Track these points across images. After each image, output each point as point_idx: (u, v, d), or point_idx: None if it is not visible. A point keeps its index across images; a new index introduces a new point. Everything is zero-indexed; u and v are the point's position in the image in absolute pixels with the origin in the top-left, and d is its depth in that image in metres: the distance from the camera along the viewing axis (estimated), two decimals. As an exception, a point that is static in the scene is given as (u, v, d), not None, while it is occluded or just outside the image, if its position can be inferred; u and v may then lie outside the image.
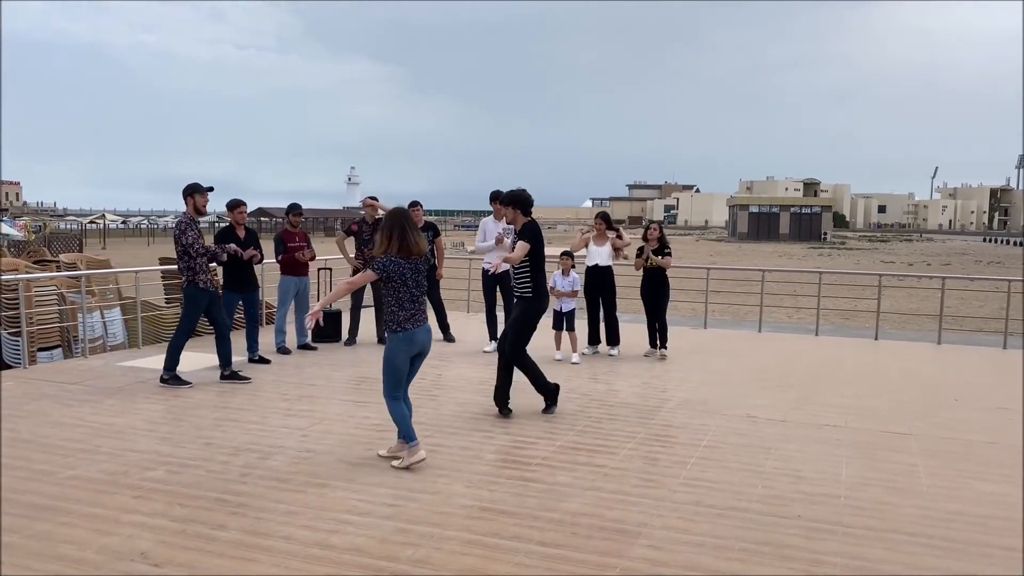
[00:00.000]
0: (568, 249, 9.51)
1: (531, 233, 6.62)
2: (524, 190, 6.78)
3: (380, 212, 9.49)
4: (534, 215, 6.84)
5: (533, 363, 6.68)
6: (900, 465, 5.49)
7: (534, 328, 6.74)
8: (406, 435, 5.27)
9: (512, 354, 6.57)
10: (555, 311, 9.46)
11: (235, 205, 8.69)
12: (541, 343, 9.47)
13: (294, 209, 9.81)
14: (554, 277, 9.52)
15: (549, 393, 6.72)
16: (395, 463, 5.26)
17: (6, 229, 31.77)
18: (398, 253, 5.20)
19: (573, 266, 9.28)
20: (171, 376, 7.51)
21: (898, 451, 5.83)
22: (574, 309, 9.44)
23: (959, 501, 4.83)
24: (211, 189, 7.73)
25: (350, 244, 10.19)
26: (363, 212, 10.13)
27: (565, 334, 9.28)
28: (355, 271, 9.90)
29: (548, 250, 9.78)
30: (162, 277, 11.95)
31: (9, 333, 9.71)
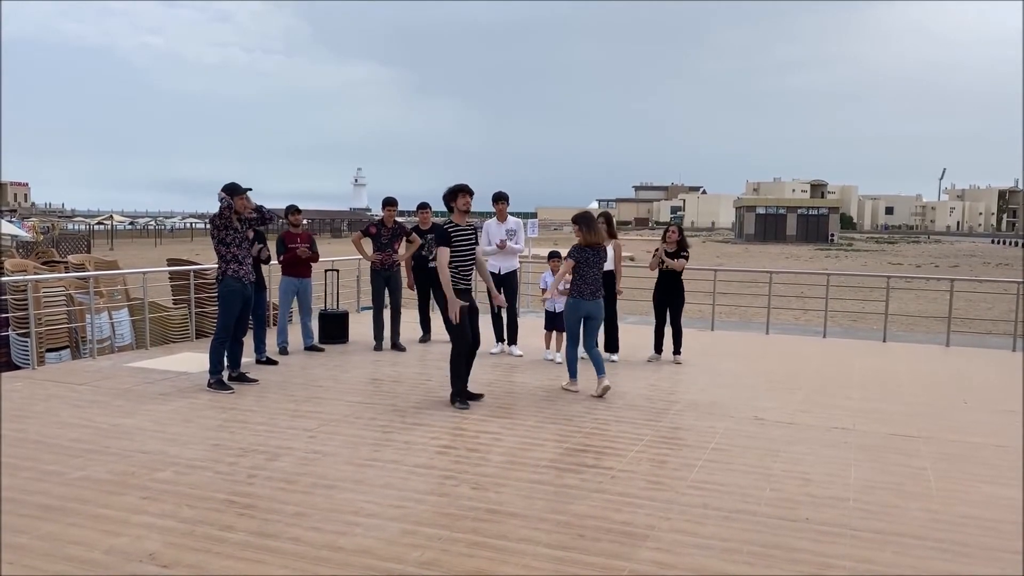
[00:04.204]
0: (556, 250, 9.55)
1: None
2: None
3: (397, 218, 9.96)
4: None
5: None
6: (909, 468, 5.47)
7: None
8: (572, 373, 7.48)
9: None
10: (547, 312, 9.44)
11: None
12: (532, 344, 9.48)
13: (292, 210, 9.83)
14: (544, 278, 9.50)
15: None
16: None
17: (8, 228, 31.76)
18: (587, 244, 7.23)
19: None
20: (215, 380, 7.45)
21: (907, 454, 5.80)
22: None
23: (968, 504, 4.80)
24: (249, 189, 7.57)
25: (366, 244, 10.21)
26: (379, 215, 10.18)
27: (555, 334, 9.30)
28: (373, 266, 9.91)
29: (546, 250, 9.82)
30: (170, 278, 11.98)
31: (18, 334, 9.75)
